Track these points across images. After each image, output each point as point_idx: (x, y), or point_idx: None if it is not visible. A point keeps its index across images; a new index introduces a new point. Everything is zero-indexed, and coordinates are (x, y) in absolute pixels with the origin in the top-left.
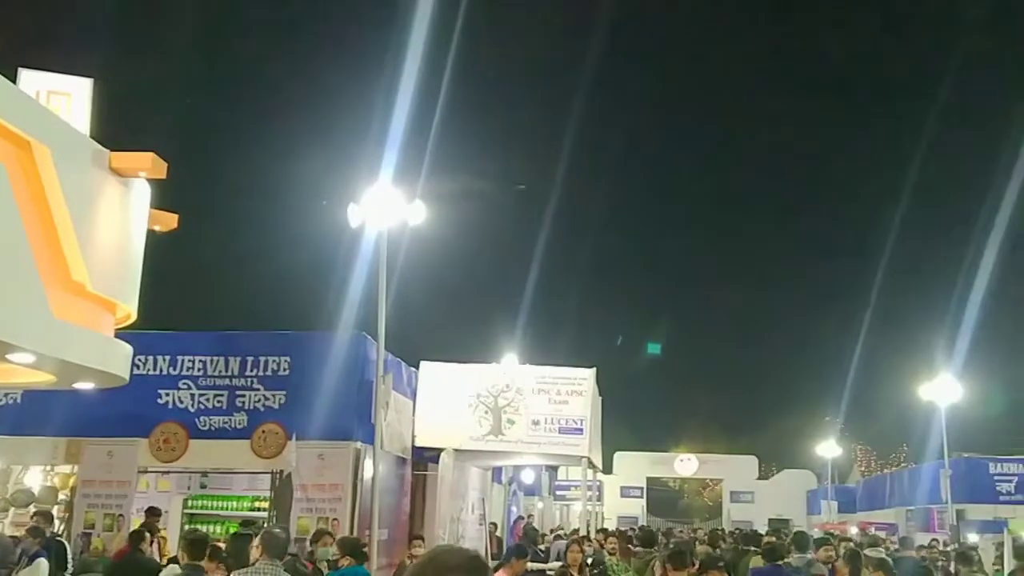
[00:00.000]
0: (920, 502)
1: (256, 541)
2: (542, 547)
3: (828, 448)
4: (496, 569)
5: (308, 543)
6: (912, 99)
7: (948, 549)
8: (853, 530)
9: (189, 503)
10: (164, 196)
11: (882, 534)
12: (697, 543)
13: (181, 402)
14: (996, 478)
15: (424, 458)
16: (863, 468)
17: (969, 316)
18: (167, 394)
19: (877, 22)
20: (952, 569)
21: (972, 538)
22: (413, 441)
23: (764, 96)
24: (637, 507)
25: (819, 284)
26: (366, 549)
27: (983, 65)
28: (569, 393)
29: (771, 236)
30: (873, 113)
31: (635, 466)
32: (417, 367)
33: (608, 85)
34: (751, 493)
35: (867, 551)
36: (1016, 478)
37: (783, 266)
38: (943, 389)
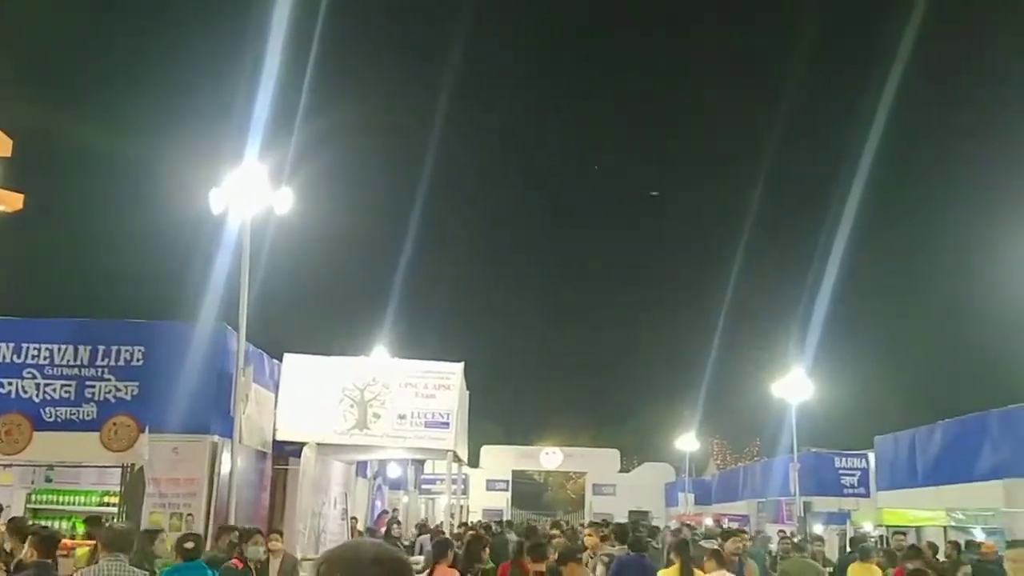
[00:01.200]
0: (771, 494)
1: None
2: (406, 541)
3: (687, 442)
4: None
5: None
6: (759, 99)
7: (797, 540)
8: (708, 521)
9: (33, 498)
10: (12, 176)
11: (735, 525)
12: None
13: (25, 392)
14: (841, 472)
15: (285, 452)
16: (719, 461)
17: (818, 316)
18: (10, 383)
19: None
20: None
21: (818, 529)
22: (274, 435)
23: (621, 88)
24: (502, 500)
25: (679, 283)
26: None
27: (828, 63)
28: (437, 387)
29: (632, 234)
30: (722, 110)
31: (501, 459)
32: (280, 359)
33: (478, 71)
34: (613, 486)
35: (702, 542)
36: (859, 472)
37: (646, 265)
38: (794, 386)
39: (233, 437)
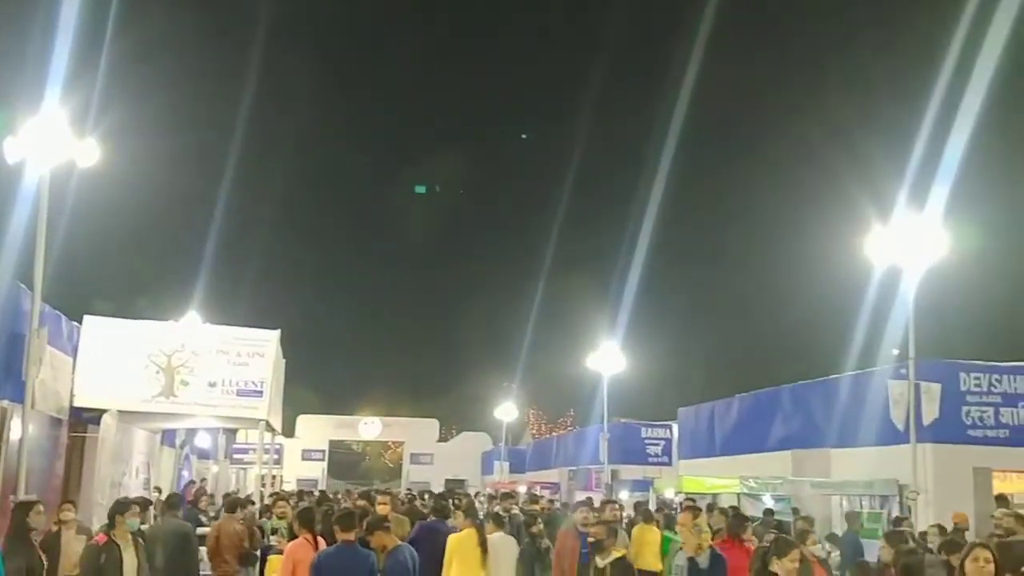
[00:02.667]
0: (582, 463)
1: None
2: (212, 512)
3: (505, 412)
4: None
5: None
6: (568, 79)
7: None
8: (522, 489)
9: None
10: None
11: (547, 492)
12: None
13: None
14: (646, 441)
15: (84, 419)
16: (534, 431)
17: (629, 292)
18: None
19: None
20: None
21: (623, 495)
22: (71, 401)
23: (435, 56)
24: (318, 470)
25: (500, 256)
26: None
27: (635, 41)
28: (250, 355)
29: (451, 204)
30: (535, 88)
31: (318, 429)
32: (80, 321)
33: (296, 25)
34: (431, 455)
35: (496, 509)
36: (663, 442)
37: (466, 239)
38: (607, 359)
39: (24, 402)
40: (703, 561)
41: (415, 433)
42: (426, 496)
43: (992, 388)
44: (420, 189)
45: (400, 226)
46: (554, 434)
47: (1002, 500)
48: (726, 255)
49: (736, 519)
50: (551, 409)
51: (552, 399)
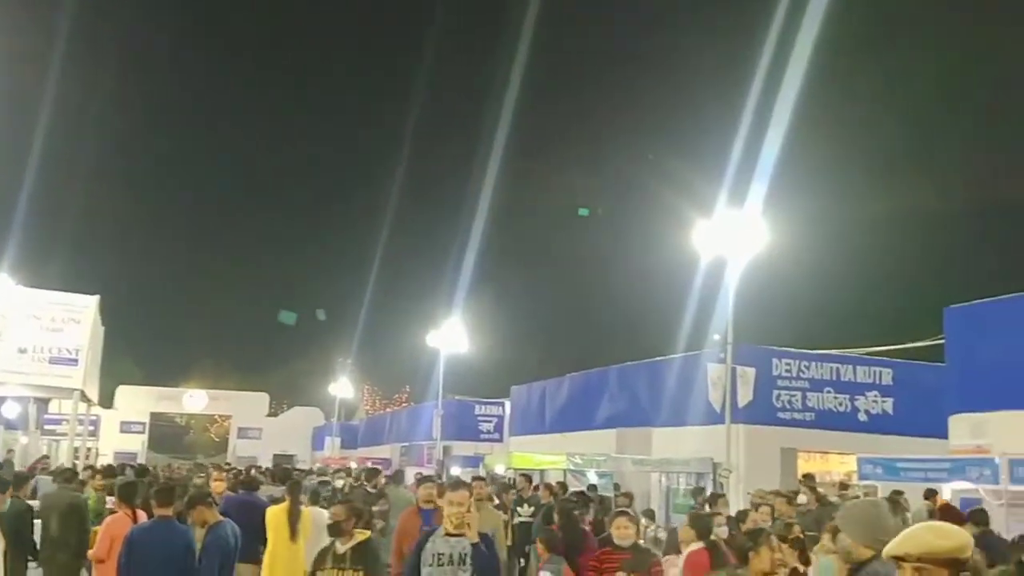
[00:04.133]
0: (416, 439)
1: None
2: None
3: (341, 387)
4: None
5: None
6: (412, 63)
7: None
8: (353, 464)
9: None
10: None
11: (379, 467)
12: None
13: None
14: (479, 418)
15: None
16: (368, 407)
17: (466, 270)
18: None
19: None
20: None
21: (455, 471)
22: None
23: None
24: (138, 442)
25: (338, 231)
26: None
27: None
28: (65, 321)
29: (285, 168)
30: (367, 68)
31: (139, 401)
32: None
33: None
34: (259, 429)
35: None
36: (496, 419)
37: (306, 211)
38: (449, 337)
39: None
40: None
41: (243, 407)
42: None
43: (801, 374)
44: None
45: (234, 193)
46: (389, 410)
47: (809, 478)
48: (562, 240)
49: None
50: (386, 385)
51: (388, 375)
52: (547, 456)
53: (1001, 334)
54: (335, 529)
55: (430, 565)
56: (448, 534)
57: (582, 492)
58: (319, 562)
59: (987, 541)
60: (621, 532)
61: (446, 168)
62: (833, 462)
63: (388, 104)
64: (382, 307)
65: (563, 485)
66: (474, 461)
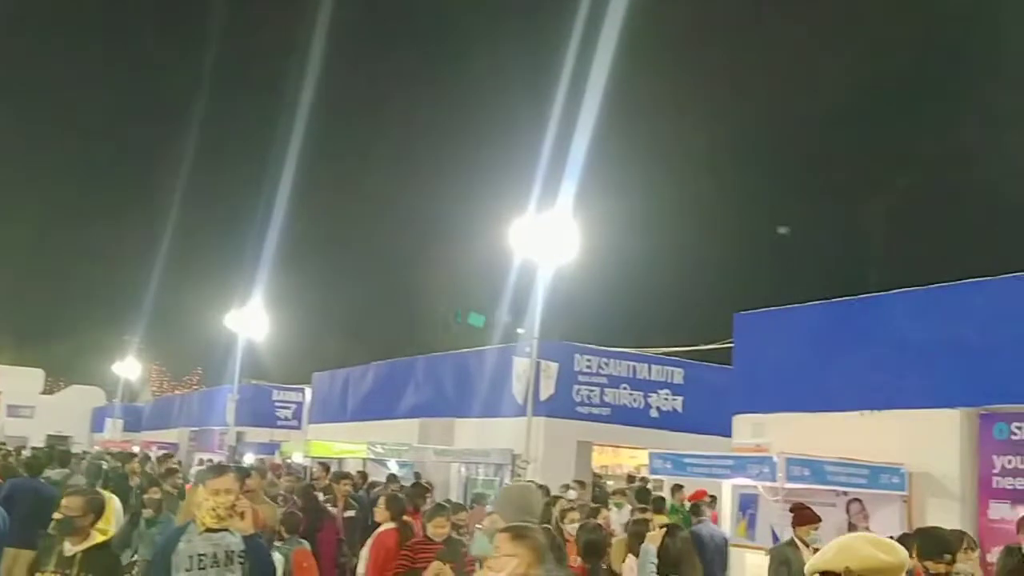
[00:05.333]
0: (207, 423)
1: None
2: None
3: (127, 367)
4: None
5: None
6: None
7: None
8: (136, 448)
9: None
10: None
11: (161, 453)
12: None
13: None
14: (277, 404)
15: None
16: (155, 388)
17: (268, 250)
18: None
19: None
20: None
21: (249, 458)
22: None
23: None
24: None
25: (129, 203)
26: None
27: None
28: None
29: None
30: (160, 59)
31: None
32: None
33: None
34: (32, 408)
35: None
36: (295, 405)
37: (95, 181)
38: (249, 319)
39: None
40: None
41: (14, 383)
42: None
43: (600, 370)
44: None
45: (21, 155)
46: (178, 392)
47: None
48: (374, 227)
49: (416, 488)
50: (176, 366)
51: (178, 356)
52: (347, 445)
53: (784, 341)
54: (65, 526)
55: (187, 570)
56: (209, 529)
57: (416, 483)
58: (40, 563)
59: None
60: (438, 531)
61: (249, 140)
62: (624, 456)
63: (185, 67)
64: (174, 284)
65: (363, 475)
66: (270, 448)
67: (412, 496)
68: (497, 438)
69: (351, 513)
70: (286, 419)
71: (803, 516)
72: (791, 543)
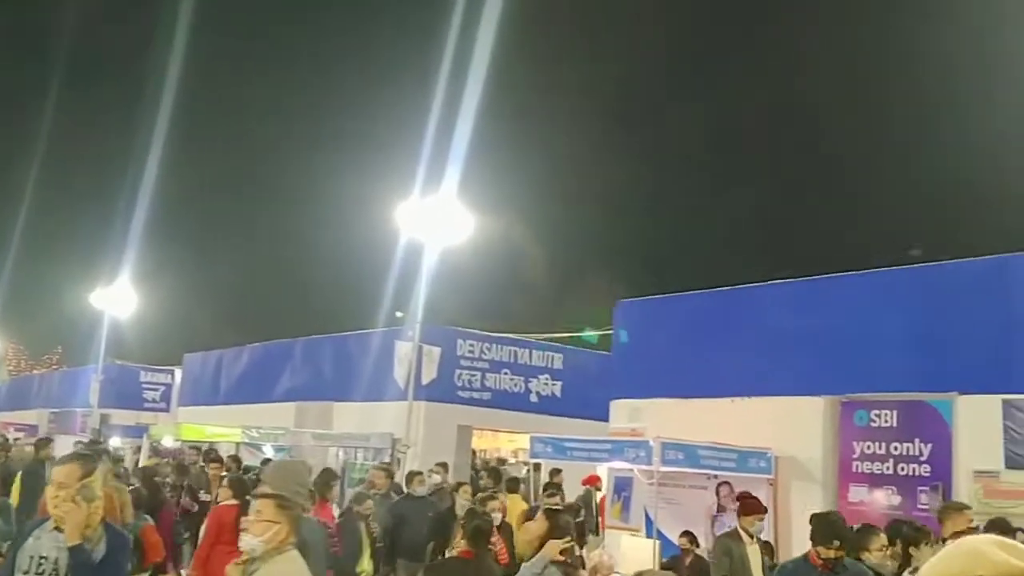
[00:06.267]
0: (69, 405)
1: None
2: None
3: None
4: None
5: None
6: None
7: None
8: None
9: None
10: None
11: (21, 435)
12: None
13: None
14: (144, 386)
15: None
16: (12, 368)
17: (137, 226)
18: None
19: None
20: None
21: (115, 441)
22: None
23: None
24: None
25: None
26: None
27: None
28: None
29: None
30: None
31: None
32: None
33: None
34: None
35: None
36: (163, 387)
37: None
38: (116, 298)
39: None
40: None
41: None
42: None
43: (483, 355)
44: None
45: None
46: (37, 372)
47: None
48: (250, 207)
49: (326, 475)
50: (35, 345)
51: (37, 335)
52: (220, 428)
53: (661, 329)
54: None
55: (25, 572)
56: (58, 528)
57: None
58: None
59: None
60: None
61: (120, 112)
62: (503, 440)
63: (47, 38)
64: (33, 261)
65: (236, 459)
66: (136, 431)
67: (320, 485)
68: (377, 422)
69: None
70: (154, 401)
71: (748, 506)
72: (734, 533)
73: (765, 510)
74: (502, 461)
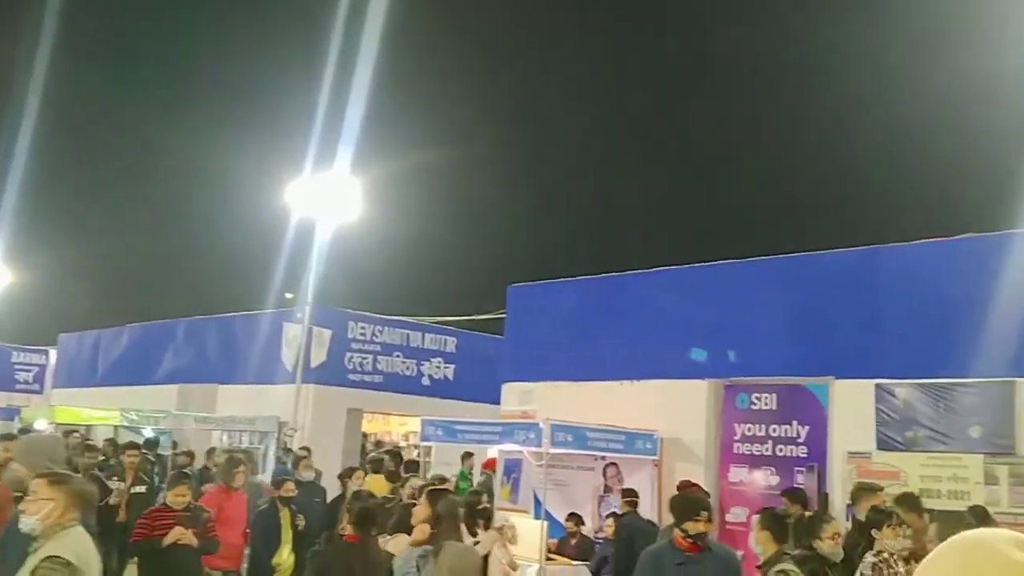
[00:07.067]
0: None
1: None
2: None
3: None
4: None
5: None
6: None
7: None
8: None
9: None
10: None
11: None
12: None
13: None
14: (16, 367)
15: None
16: None
17: (8, 199)
18: None
19: None
20: None
21: None
22: None
23: None
24: None
25: None
26: None
27: None
28: None
29: None
30: None
31: None
32: None
33: None
34: None
35: None
36: (36, 368)
37: None
38: None
39: None
40: None
41: None
42: None
43: (375, 337)
44: None
45: None
46: None
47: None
48: (134, 181)
49: (229, 462)
50: None
51: None
52: (96, 411)
53: (553, 313)
54: None
55: None
56: None
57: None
58: None
59: None
60: (178, 499)
61: None
62: (394, 423)
63: None
64: None
65: (113, 443)
66: (8, 413)
67: (223, 472)
68: (263, 405)
69: (141, 489)
70: (26, 383)
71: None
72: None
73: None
74: (379, 444)
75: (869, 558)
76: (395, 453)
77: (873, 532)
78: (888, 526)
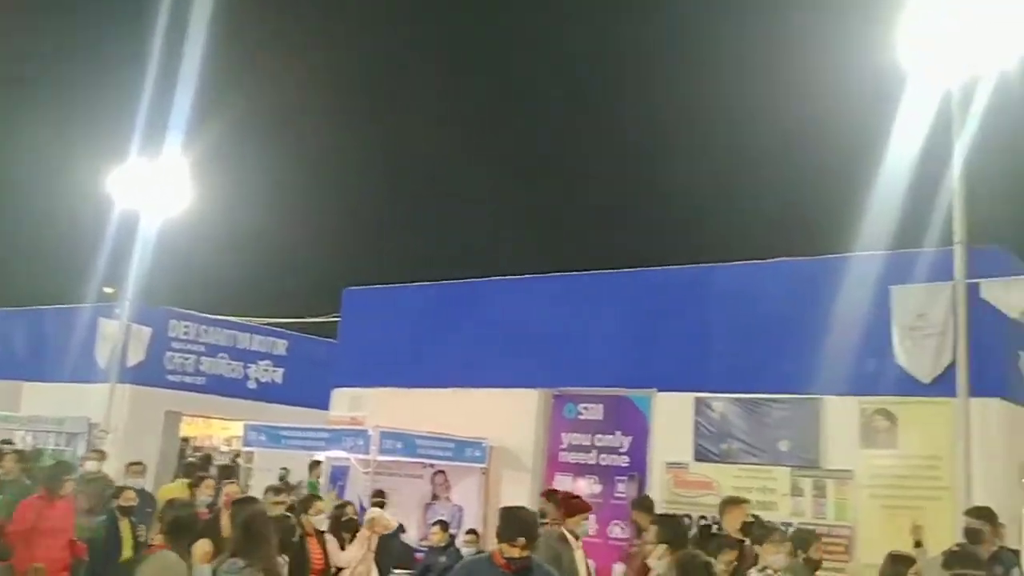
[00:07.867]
0: None
1: None
2: None
3: None
4: None
5: None
6: None
7: None
8: None
9: None
10: None
11: None
12: None
13: None
14: None
15: None
16: None
17: None
18: None
19: None
20: None
21: None
22: None
23: None
24: None
25: None
26: None
27: None
28: None
29: None
30: None
31: None
32: None
33: None
34: None
35: None
36: None
37: None
38: None
39: None
40: None
41: None
42: None
43: (198, 337)
44: None
45: None
46: None
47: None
48: None
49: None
50: None
51: None
52: None
53: (387, 318)
54: None
55: None
56: None
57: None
58: None
59: None
60: None
61: None
62: (216, 427)
63: None
64: None
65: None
66: None
67: (48, 479)
68: (74, 405)
69: None
70: None
71: (573, 506)
72: (560, 536)
73: (590, 508)
74: (197, 449)
75: (754, 573)
76: (205, 458)
77: (756, 548)
78: (770, 541)
